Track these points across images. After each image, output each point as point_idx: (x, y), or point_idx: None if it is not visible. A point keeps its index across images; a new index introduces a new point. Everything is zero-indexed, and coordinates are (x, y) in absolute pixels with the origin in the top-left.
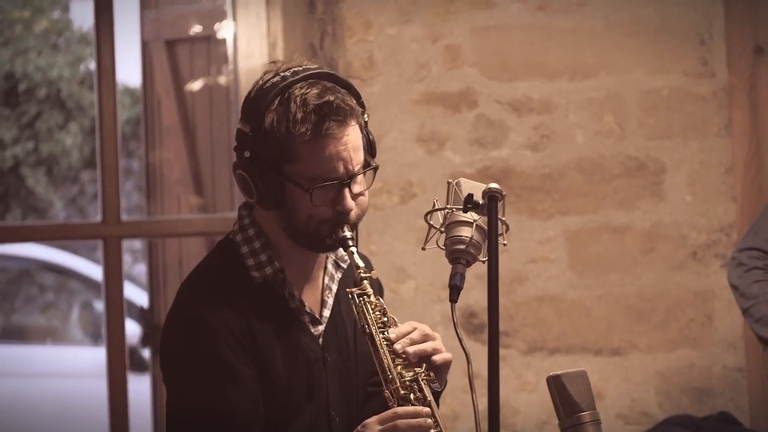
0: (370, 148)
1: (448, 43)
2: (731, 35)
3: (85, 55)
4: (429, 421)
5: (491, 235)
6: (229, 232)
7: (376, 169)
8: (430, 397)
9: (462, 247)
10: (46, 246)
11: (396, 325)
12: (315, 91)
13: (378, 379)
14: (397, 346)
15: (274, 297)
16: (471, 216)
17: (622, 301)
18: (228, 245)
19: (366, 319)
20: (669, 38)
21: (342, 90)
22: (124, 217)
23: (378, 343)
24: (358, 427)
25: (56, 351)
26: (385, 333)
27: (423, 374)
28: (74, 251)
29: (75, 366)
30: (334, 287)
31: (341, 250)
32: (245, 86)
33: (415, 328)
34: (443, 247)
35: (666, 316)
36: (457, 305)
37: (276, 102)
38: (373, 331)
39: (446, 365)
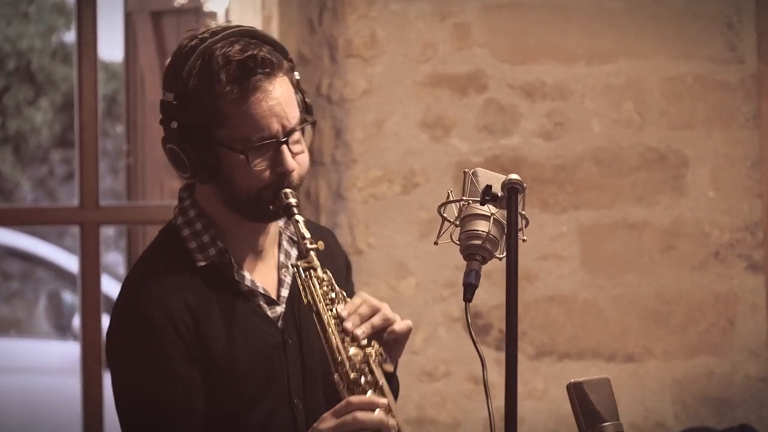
0: (305, 106)
1: (457, 22)
2: (762, 19)
3: (58, 25)
4: (383, 411)
5: (510, 230)
6: (171, 218)
7: (314, 124)
8: (381, 379)
9: (478, 242)
10: (11, 230)
11: (345, 301)
12: (237, 47)
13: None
14: (348, 324)
15: (222, 280)
16: (488, 209)
17: (638, 303)
18: (169, 230)
19: (312, 295)
20: (694, 21)
21: (266, 45)
22: (102, 201)
23: (326, 321)
24: (314, 424)
25: (20, 344)
26: (334, 309)
27: (374, 353)
28: (42, 237)
29: (41, 361)
30: (290, 265)
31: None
32: None
33: (363, 301)
34: (457, 242)
35: (685, 320)
36: (461, 305)
37: (198, 65)
38: (320, 308)
39: (405, 336)
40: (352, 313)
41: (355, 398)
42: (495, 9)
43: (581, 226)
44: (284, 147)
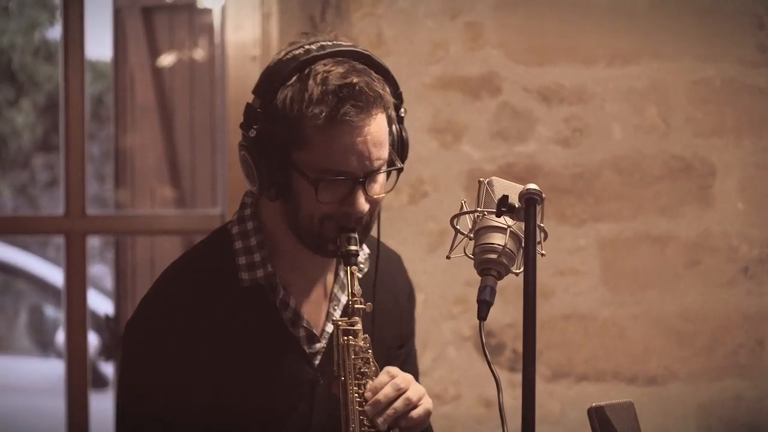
0: (400, 148)
1: (468, 20)
2: None
3: (41, 21)
4: None
5: (528, 243)
6: (230, 219)
7: (400, 171)
8: None
9: (494, 256)
10: None
11: (375, 376)
12: (340, 70)
13: None
14: (368, 409)
15: (264, 304)
16: (505, 221)
17: (662, 322)
18: (222, 236)
19: (343, 365)
20: (722, 20)
21: (375, 75)
22: (89, 210)
23: (350, 398)
24: None
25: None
26: (362, 388)
27: None
28: (23, 247)
29: (21, 379)
30: (344, 299)
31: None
32: (233, 62)
33: (390, 380)
34: (471, 256)
35: (711, 340)
36: (471, 323)
37: (294, 77)
38: (348, 382)
39: (424, 418)
40: (376, 393)
41: None
42: (509, 6)
43: (601, 239)
44: (359, 188)
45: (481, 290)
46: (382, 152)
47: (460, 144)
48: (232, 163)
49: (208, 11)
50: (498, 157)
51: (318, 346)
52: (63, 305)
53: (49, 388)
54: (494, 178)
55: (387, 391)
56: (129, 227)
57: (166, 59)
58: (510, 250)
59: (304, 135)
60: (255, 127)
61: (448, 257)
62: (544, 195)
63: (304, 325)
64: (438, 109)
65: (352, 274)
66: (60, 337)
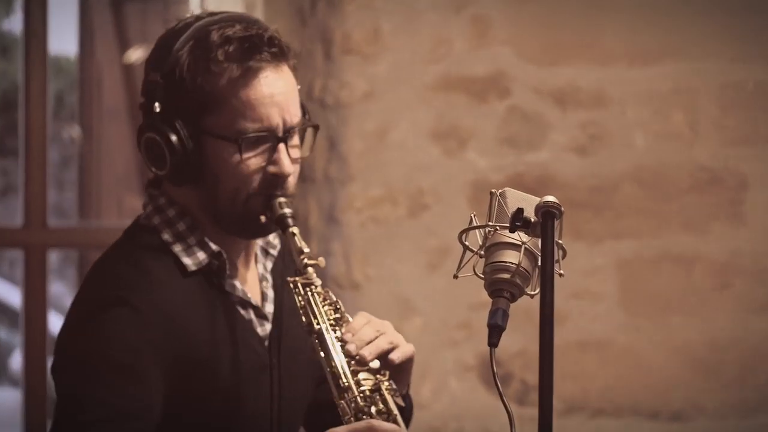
0: (303, 108)
1: (475, 14)
2: None
3: None
4: None
5: (545, 262)
6: (136, 218)
7: (316, 128)
8: (395, 410)
9: (506, 276)
10: None
11: (348, 321)
12: (238, 27)
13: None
14: (351, 347)
15: (213, 287)
16: (519, 237)
17: (687, 351)
18: (142, 233)
19: (314, 314)
20: (755, 17)
21: (269, 31)
22: (50, 221)
23: (330, 344)
24: None
25: None
26: (338, 332)
27: (386, 383)
28: None
29: None
30: (269, 277)
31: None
32: None
33: (368, 321)
34: (481, 276)
35: (742, 371)
36: (475, 351)
37: (191, 42)
38: (323, 329)
39: (408, 363)
40: (355, 333)
41: (376, 422)
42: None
43: (620, 258)
44: (282, 145)
45: (493, 313)
46: (297, 108)
47: (464, 151)
48: None
49: (184, 2)
50: (506, 166)
51: (268, 326)
52: (20, 327)
53: (3, 419)
54: (507, 189)
55: (367, 331)
56: (94, 240)
57: (138, 55)
58: (524, 269)
59: (215, 96)
60: (158, 100)
61: (455, 276)
62: (563, 208)
63: (253, 304)
64: (440, 112)
65: (293, 234)
66: (15, 362)
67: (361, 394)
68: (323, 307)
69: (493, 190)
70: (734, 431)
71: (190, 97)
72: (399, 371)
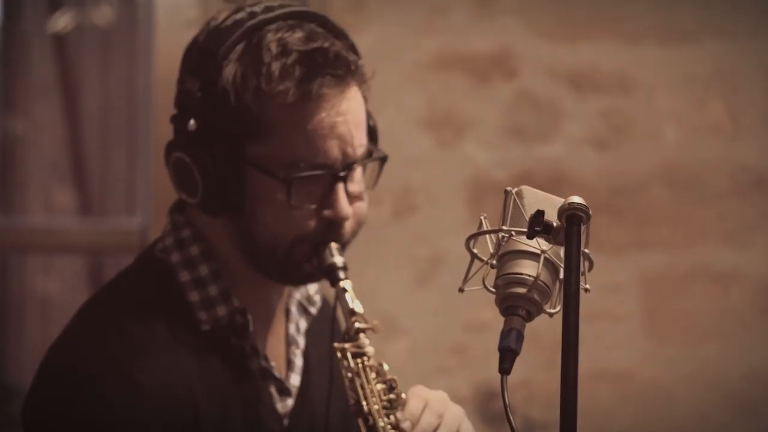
0: (370, 133)
1: None
2: None
3: None
4: None
5: (570, 274)
6: (153, 243)
7: (384, 160)
8: None
9: (522, 290)
10: None
11: (402, 400)
12: (299, 33)
13: None
14: None
15: (227, 352)
16: (538, 244)
17: (722, 384)
18: (156, 267)
19: (365, 393)
20: None
21: (337, 40)
22: None
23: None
24: None
25: None
26: (392, 417)
27: None
28: None
29: None
30: (302, 341)
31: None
32: (163, 27)
33: (426, 406)
34: (492, 290)
35: None
36: (470, 379)
37: (240, 48)
38: (375, 412)
39: None
40: (415, 423)
41: None
42: None
43: (645, 273)
44: (340, 184)
45: (505, 334)
46: (363, 137)
47: (462, 142)
48: (159, 158)
49: None
50: (512, 160)
51: (290, 402)
52: None
53: None
54: (525, 188)
55: (428, 418)
56: (17, 241)
57: (71, 22)
58: (544, 282)
59: (264, 120)
60: (195, 116)
61: (461, 290)
62: (590, 211)
63: (276, 375)
64: (434, 95)
65: (342, 290)
66: None
67: None
68: (375, 384)
69: (508, 189)
70: None
71: (234, 118)
72: None
